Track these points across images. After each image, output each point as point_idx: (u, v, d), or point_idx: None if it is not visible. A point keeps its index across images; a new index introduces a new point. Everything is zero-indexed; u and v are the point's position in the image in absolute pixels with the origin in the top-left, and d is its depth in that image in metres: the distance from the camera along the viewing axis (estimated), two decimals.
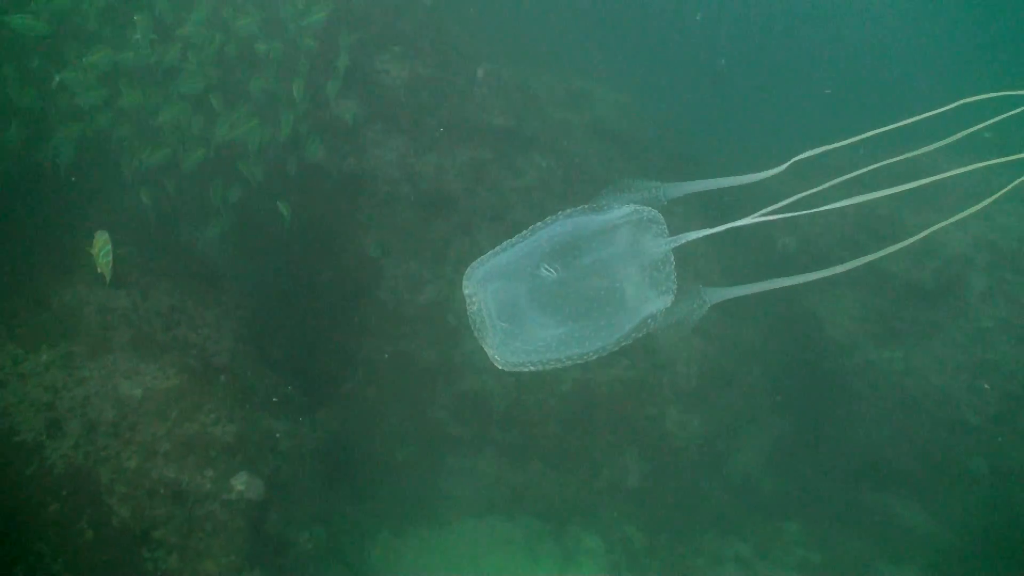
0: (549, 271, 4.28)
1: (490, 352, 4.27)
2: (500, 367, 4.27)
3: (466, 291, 4.36)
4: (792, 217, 4.56)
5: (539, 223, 4.40)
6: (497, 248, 4.39)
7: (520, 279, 4.25)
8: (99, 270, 8.04)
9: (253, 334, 9.51)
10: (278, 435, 8.42)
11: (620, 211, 4.42)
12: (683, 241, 4.47)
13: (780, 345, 12.10)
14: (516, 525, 10.29)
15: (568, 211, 4.41)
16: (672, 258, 4.44)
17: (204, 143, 9.48)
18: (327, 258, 10.84)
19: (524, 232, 4.42)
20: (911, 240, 4.39)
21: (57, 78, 8.78)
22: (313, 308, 10.61)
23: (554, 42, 17.52)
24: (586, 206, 4.45)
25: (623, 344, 4.28)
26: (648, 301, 4.29)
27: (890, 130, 4.54)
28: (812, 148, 4.48)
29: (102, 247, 7.91)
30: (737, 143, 16.56)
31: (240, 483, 7.50)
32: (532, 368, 4.25)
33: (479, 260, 4.42)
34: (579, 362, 4.28)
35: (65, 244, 9.26)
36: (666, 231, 4.46)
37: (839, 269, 4.36)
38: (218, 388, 8.19)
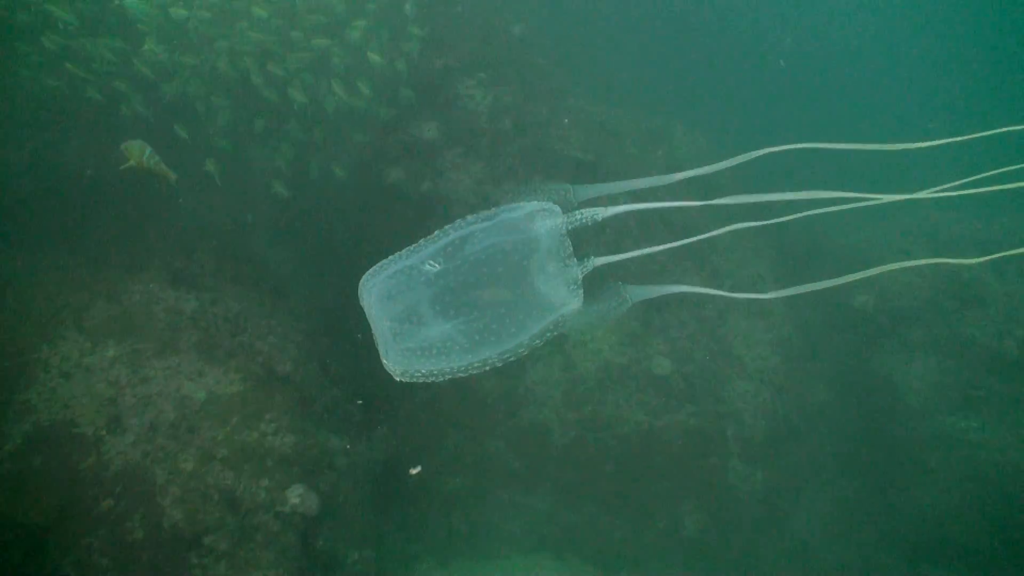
0: (433, 265, 4.02)
1: (385, 362, 4.01)
2: (398, 378, 4.02)
3: (363, 302, 4.09)
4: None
5: (440, 231, 4.11)
6: (393, 256, 4.10)
7: (417, 286, 3.99)
8: (158, 173, 7.72)
9: (316, 348, 9.43)
10: (335, 451, 8.29)
11: (525, 210, 4.19)
12: (579, 222, 4.32)
13: (851, 405, 11.75)
14: (564, 566, 10.04)
15: (470, 217, 4.12)
16: (575, 256, 4.24)
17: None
18: None
19: (422, 241, 4.13)
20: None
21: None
22: None
23: (635, 79, 17.44)
24: (490, 210, 4.16)
25: (534, 345, 4.05)
26: (557, 300, 4.07)
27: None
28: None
29: (141, 152, 7.63)
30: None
31: (295, 496, 7.37)
32: (438, 376, 4.01)
33: (375, 268, 4.13)
34: (487, 367, 4.05)
35: (139, 243, 9.29)
36: (565, 229, 4.27)
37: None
38: (280, 398, 8.09)
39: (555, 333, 4.06)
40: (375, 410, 9.76)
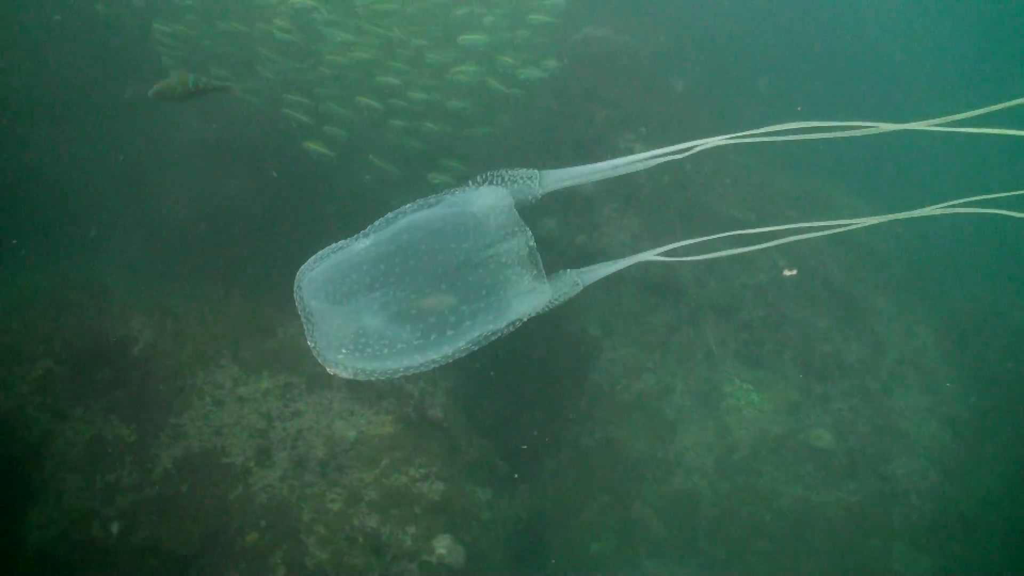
0: (364, 240, 3.61)
1: (322, 358, 3.53)
2: (345, 375, 3.50)
3: (298, 297, 3.60)
4: None
5: (388, 215, 3.66)
6: (335, 245, 3.66)
7: (359, 277, 3.55)
8: (214, 90, 7.21)
9: (464, 396, 9.19)
10: (481, 504, 7.97)
11: (486, 198, 3.78)
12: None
13: None
14: None
15: (419, 201, 3.69)
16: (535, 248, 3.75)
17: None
18: (543, 332, 10.46)
19: (368, 227, 3.68)
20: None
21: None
22: (523, 380, 10.22)
23: (797, 141, 16.93)
24: (445, 194, 3.73)
25: (498, 334, 3.59)
26: (519, 290, 3.67)
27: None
28: None
29: (184, 83, 7.09)
30: None
31: (442, 547, 7.06)
32: (390, 374, 3.54)
33: (315, 257, 3.67)
34: (438, 364, 3.56)
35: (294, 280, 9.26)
36: (522, 221, 3.80)
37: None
38: (431, 443, 7.85)
39: (514, 327, 3.65)
40: (520, 463, 9.43)
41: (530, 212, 10.05)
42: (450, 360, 3.57)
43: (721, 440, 9.75)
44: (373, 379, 3.54)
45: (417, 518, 7.23)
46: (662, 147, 11.39)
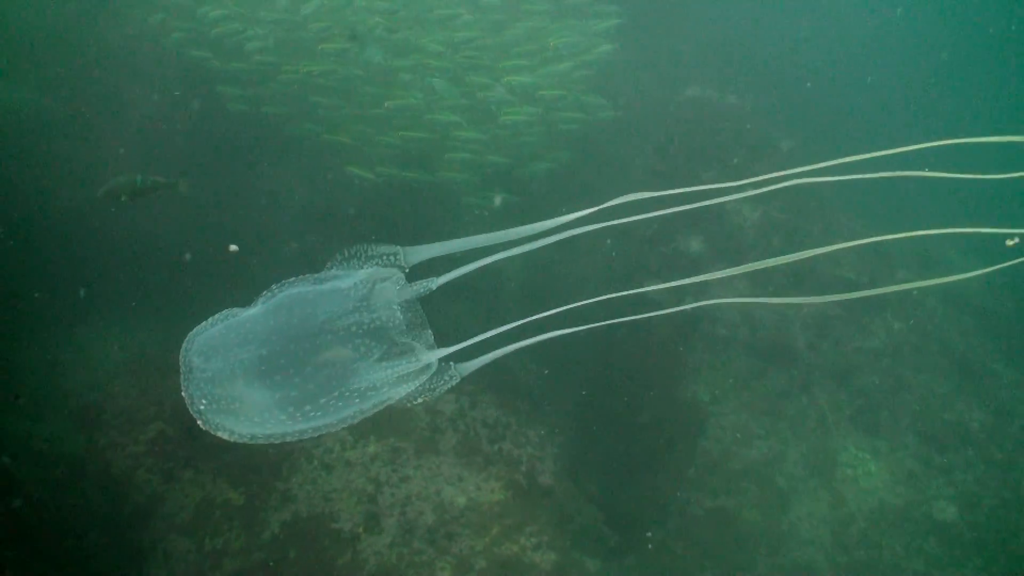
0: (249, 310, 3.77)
1: (192, 408, 3.59)
2: (223, 435, 3.58)
3: (183, 360, 3.68)
4: None
5: (268, 290, 3.79)
6: (212, 319, 3.78)
7: (241, 346, 3.64)
8: (159, 188, 7.73)
9: (571, 462, 8.98)
10: (591, 574, 7.71)
11: (356, 277, 3.86)
12: (422, 290, 3.91)
13: None
14: None
15: (293, 280, 3.80)
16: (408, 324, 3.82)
17: None
18: (649, 397, 10.22)
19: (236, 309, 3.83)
20: None
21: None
22: (630, 445, 9.97)
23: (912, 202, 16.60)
24: (316, 275, 3.85)
25: (367, 414, 3.67)
26: (388, 372, 3.69)
27: None
28: None
29: (132, 178, 7.55)
30: None
31: None
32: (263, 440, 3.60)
33: (201, 326, 3.79)
34: (312, 435, 3.62)
35: None
36: (404, 297, 3.87)
37: None
38: (541, 511, 7.64)
39: (384, 406, 3.71)
40: (627, 532, 9.14)
41: (636, 272, 9.81)
42: (316, 430, 3.63)
43: (837, 511, 9.35)
44: (246, 441, 3.63)
45: None
46: (767, 205, 11.04)
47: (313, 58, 10.54)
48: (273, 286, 3.80)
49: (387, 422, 8.03)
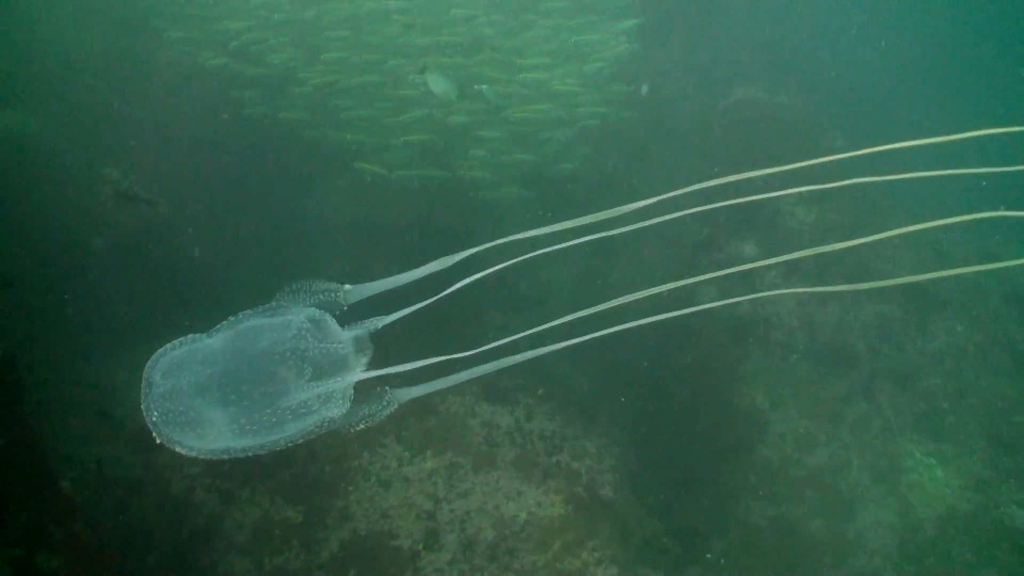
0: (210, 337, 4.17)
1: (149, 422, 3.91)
2: (181, 450, 3.88)
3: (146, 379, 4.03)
4: None
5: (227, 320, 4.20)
6: (175, 342, 4.17)
7: (192, 370, 4.02)
8: (147, 201, 7.69)
9: (630, 472, 8.82)
10: None
11: (296, 311, 4.22)
12: (366, 328, 4.25)
13: None
14: None
15: (240, 315, 4.21)
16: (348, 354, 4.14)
17: None
18: (705, 404, 10.05)
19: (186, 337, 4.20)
20: None
21: None
22: (688, 454, 9.79)
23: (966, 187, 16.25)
24: (258, 309, 4.23)
25: (310, 434, 3.93)
26: (325, 400, 4.00)
27: None
28: None
29: (118, 178, 7.55)
30: None
31: None
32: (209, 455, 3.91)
33: (159, 351, 4.16)
34: (260, 451, 3.90)
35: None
36: (339, 330, 4.22)
37: None
38: (602, 524, 7.50)
39: (326, 428, 3.98)
40: (688, 544, 8.97)
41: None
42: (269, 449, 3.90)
43: (904, 519, 9.11)
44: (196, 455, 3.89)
45: None
46: (822, 207, 10.80)
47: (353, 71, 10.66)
48: (230, 317, 4.17)
49: (444, 437, 7.94)
